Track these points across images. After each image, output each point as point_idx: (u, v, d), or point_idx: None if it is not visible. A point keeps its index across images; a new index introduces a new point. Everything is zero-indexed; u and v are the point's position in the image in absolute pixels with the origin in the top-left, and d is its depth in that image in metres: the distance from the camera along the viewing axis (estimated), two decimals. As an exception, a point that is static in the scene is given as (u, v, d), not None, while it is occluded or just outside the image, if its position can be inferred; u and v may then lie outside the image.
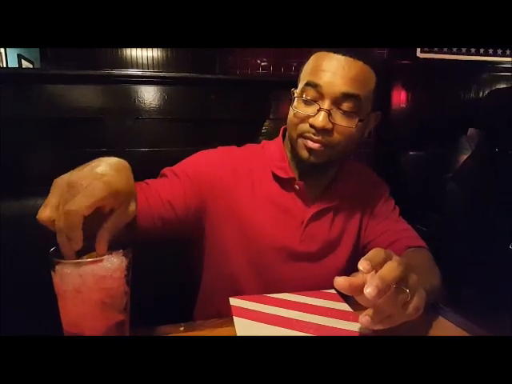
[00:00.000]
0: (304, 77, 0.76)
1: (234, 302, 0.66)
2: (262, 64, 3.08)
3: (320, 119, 0.71)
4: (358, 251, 0.86)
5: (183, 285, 0.92)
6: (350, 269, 0.52)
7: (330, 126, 0.72)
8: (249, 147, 0.88)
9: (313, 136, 0.73)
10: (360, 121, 0.74)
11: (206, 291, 0.85)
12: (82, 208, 0.42)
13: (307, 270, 0.81)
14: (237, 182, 0.81)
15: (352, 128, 0.73)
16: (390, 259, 0.51)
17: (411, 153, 2.48)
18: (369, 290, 0.47)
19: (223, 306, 0.66)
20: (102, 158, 0.51)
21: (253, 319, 0.61)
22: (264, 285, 0.78)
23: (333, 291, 0.70)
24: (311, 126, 0.73)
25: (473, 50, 3.09)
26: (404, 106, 2.98)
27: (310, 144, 0.74)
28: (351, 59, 0.72)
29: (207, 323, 0.65)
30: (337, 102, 0.72)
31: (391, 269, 0.50)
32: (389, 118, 2.94)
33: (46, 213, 0.43)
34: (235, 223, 0.79)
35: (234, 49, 2.93)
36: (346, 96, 0.71)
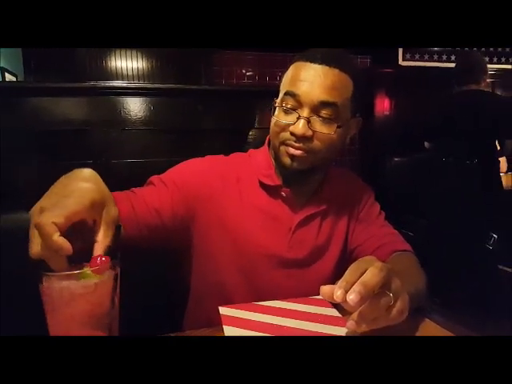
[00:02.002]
0: (283, 86, 0.78)
1: (223, 310, 0.66)
2: (248, 74, 3.11)
3: (300, 127, 0.73)
4: (346, 256, 0.87)
5: (172, 294, 0.92)
6: (338, 274, 0.53)
7: (309, 133, 0.74)
8: (236, 156, 0.89)
9: (294, 143, 0.75)
10: (339, 127, 0.76)
11: (196, 299, 0.85)
12: (51, 216, 0.43)
13: (296, 277, 0.81)
14: (225, 189, 0.81)
15: (331, 134, 0.75)
16: (373, 265, 0.53)
17: (396, 159, 2.52)
18: (352, 297, 0.49)
19: (213, 314, 0.66)
20: (66, 176, 0.52)
21: (243, 327, 0.61)
22: (253, 292, 0.78)
23: (321, 297, 0.71)
24: (292, 133, 0.75)
25: (453, 56, 3.17)
26: (387, 113, 3.04)
27: (292, 151, 0.76)
28: (327, 68, 0.74)
29: (197, 333, 0.65)
30: (315, 109, 0.74)
31: (373, 274, 0.52)
32: (373, 125, 2.99)
33: (35, 247, 0.44)
34: (224, 231, 0.80)
35: (219, 59, 2.95)
36: (323, 104, 0.74)
